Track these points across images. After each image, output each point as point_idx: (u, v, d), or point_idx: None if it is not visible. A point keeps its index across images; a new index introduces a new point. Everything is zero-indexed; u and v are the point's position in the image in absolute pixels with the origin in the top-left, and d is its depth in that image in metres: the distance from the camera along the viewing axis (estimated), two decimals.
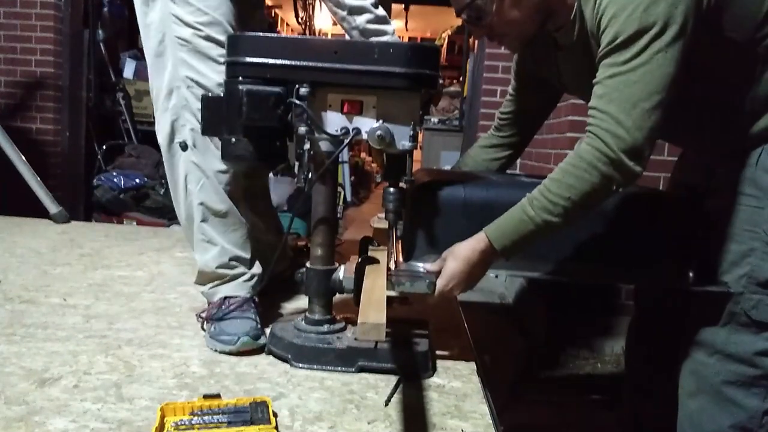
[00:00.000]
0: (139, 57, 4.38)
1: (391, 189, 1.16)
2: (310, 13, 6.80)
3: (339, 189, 4.33)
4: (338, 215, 3.40)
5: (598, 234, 1.21)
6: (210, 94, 1.14)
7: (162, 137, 1.29)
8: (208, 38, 1.22)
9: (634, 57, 0.95)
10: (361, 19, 1.28)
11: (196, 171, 1.27)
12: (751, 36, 1.04)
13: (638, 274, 1.26)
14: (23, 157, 2.61)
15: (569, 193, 1.00)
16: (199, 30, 1.22)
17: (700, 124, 1.16)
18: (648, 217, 1.23)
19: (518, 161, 3.49)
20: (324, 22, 7.19)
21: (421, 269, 1.16)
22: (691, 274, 1.18)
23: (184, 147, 1.27)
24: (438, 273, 1.10)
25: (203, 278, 1.33)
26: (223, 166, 1.26)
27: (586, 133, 1.01)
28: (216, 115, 1.11)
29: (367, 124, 1.11)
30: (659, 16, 0.93)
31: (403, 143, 1.11)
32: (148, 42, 1.27)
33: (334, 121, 1.11)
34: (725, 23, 1.03)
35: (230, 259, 1.30)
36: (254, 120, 1.07)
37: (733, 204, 1.12)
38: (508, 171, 1.51)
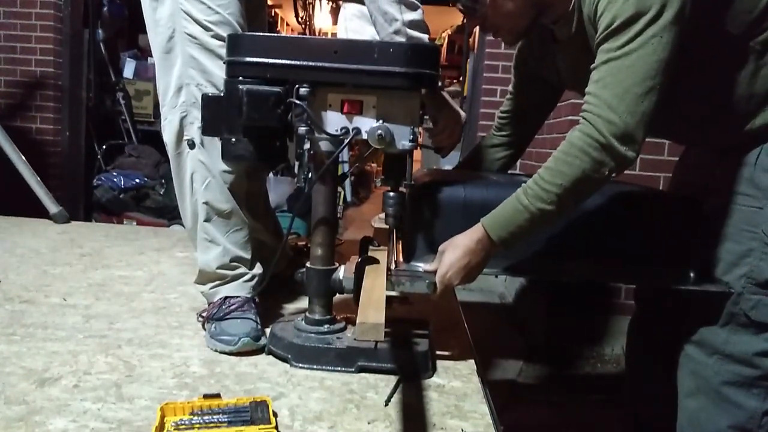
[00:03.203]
0: (139, 57, 4.37)
1: (391, 193, 1.16)
2: (310, 12, 6.81)
3: (339, 189, 4.32)
4: (338, 215, 3.40)
5: (598, 233, 1.21)
6: (210, 94, 1.14)
7: (169, 135, 1.29)
8: (217, 37, 1.22)
9: (629, 42, 0.95)
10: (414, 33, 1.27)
11: (203, 170, 1.27)
12: (746, 31, 1.04)
13: (639, 274, 1.26)
14: (23, 157, 2.61)
15: (561, 179, 1.00)
16: (209, 29, 1.22)
17: (698, 118, 1.16)
18: (648, 217, 1.23)
19: (518, 161, 3.50)
20: (324, 21, 7.19)
21: (421, 269, 1.16)
22: (692, 274, 1.18)
23: (191, 145, 1.27)
24: (437, 269, 1.10)
25: (204, 278, 1.33)
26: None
27: (580, 118, 1.01)
28: (216, 114, 1.11)
29: (367, 124, 1.11)
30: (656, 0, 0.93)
31: (403, 143, 1.11)
32: (156, 38, 1.27)
33: (334, 121, 1.11)
34: (722, 16, 1.03)
35: (231, 260, 1.30)
36: (254, 120, 1.07)
37: (732, 204, 1.13)
38: (510, 171, 1.52)
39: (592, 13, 1.01)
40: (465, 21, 1.23)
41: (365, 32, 1.35)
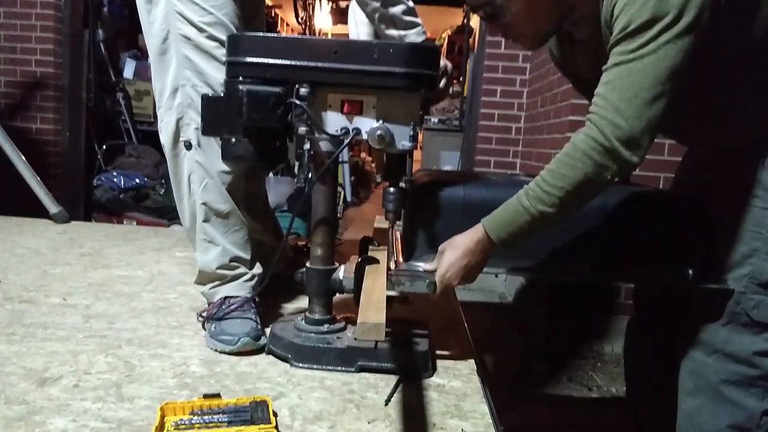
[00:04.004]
0: (139, 57, 4.38)
1: (391, 189, 1.16)
2: (310, 13, 6.82)
3: (339, 189, 4.33)
4: (338, 215, 3.40)
5: (599, 233, 1.20)
6: (210, 94, 1.14)
7: (166, 136, 1.29)
8: (212, 38, 1.22)
9: (642, 46, 0.94)
10: (395, 10, 1.27)
11: (200, 170, 1.27)
12: (761, 37, 1.03)
13: (640, 273, 1.26)
14: (23, 157, 2.61)
15: (563, 182, 0.99)
16: (203, 30, 1.22)
17: (705, 119, 1.16)
18: (650, 216, 1.23)
19: (518, 161, 3.51)
20: (324, 22, 7.19)
21: (421, 269, 1.16)
22: (691, 272, 1.18)
23: (188, 146, 1.27)
24: (437, 269, 1.10)
25: (203, 278, 1.33)
26: (226, 167, 1.26)
27: (586, 120, 1.01)
28: (216, 115, 1.11)
29: (367, 124, 1.11)
30: (673, 5, 0.92)
31: (403, 143, 1.11)
32: (151, 39, 1.27)
33: (334, 121, 1.11)
34: (746, 21, 1.03)
35: (231, 260, 1.30)
36: (254, 120, 1.07)
37: (737, 204, 1.12)
38: (509, 172, 1.52)
39: (609, 15, 1.00)
40: (464, 21, 1.23)
41: None
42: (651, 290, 1.42)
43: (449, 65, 1.33)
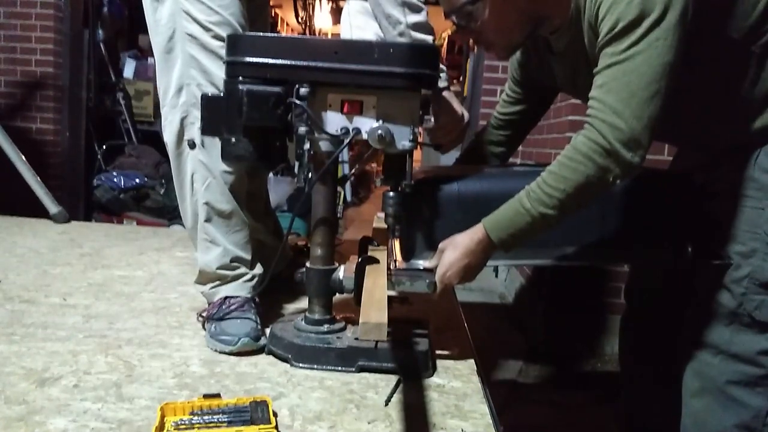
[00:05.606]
0: (139, 57, 4.38)
1: (391, 193, 1.16)
2: (310, 13, 6.82)
3: (339, 189, 4.32)
4: (338, 215, 3.40)
5: (595, 214, 1.18)
6: (210, 94, 1.14)
7: (169, 135, 1.28)
8: (218, 37, 1.22)
9: (633, 44, 0.94)
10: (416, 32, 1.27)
11: (203, 170, 1.27)
12: (746, 35, 1.04)
13: (639, 253, 1.26)
14: (23, 157, 2.61)
15: (565, 185, 0.99)
16: (209, 29, 1.22)
17: (698, 121, 1.16)
18: (645, 194, 1.22)
19: (518, 161, 3.51)
20: (324, 22, 7.19)
21: (421, 266, 1.16)
22: (690, 249, 1.18)
23: (192, 145, 1.27)
24: (437, 266, 1.10)
25: (204, 278, 1.33)
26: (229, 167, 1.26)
27: (585, 123, 1.01)
28: (216, 115, 1.10)
29: (367, 124, 1.10)
30: (659, 1, 0.92)
31: (404, 143, 1.11)
32: (157, 38, 1.26)
33: (334, 121, 1.11)
34: (723, 21, 1.03)
35: (232, 260, 1.30)
36: (254, 120, 1.07)
37: (733, 205, 1.12)
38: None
39: (593, 18, 1.00)
40: (457, 33, 1.22)
41: (369, 28, 1.35)
42: (642, 282, 1.41)
43: (467, 115, 1.33)
